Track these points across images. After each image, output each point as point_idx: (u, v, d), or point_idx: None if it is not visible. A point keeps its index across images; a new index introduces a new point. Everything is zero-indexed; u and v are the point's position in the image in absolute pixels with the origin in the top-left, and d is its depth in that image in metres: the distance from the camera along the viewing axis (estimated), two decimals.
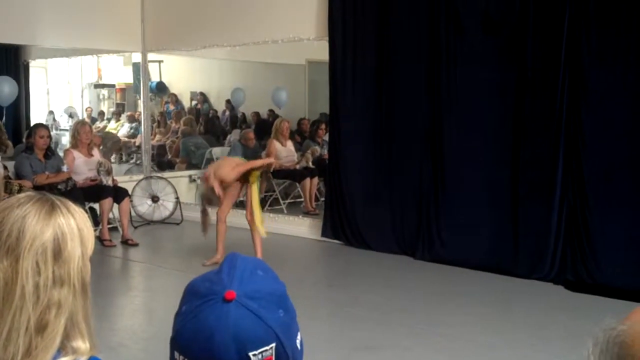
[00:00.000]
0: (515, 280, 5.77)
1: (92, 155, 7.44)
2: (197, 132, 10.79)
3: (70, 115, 11.53)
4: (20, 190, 6.45)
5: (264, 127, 10.07)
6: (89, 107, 12.31)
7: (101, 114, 12.78)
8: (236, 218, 6.72)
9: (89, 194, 7.19)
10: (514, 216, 5.94)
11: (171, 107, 11.62)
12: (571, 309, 5.12)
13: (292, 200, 8.84)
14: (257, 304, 0.99)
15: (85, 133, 7.40)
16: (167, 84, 11.35)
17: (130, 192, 7.94)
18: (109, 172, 7.44)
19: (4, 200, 1.15)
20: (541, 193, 5.79)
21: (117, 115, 12.53)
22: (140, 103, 9.75)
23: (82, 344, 1.12)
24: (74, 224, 1.13)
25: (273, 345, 0.99)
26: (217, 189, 6.01)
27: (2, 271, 1.07)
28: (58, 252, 1.10)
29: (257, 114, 10.98)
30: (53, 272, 1.09)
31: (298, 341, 1.05)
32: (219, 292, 0.99)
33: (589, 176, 5.55)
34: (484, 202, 6.12)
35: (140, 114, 10.06)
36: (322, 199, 8.28)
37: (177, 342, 1.01)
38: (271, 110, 10.75)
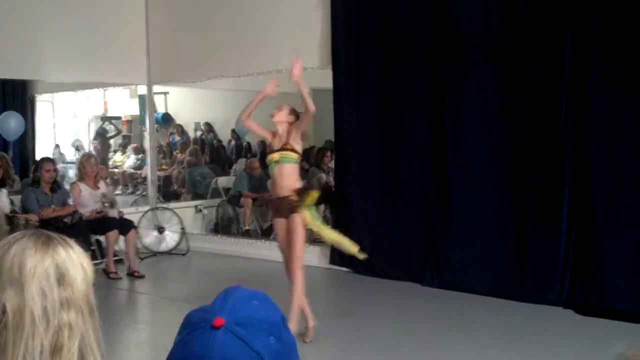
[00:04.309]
0: (525, 306, 5.71)
1: (98, 188, 7.46)
2: (202, 162, 10.80)
3: (77, 148, 11.57)
4: (26, 225, 6.45)
5: None
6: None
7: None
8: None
9: (95, 227, 7.19)
10: (521, 241, 5.90)
11: (177, 138, 11.65)
12: (582, 333, 5.05)
13: None
14: (245, 330, 0.98)
15: (90, 166, 7.43)
16: (173, 115, 11.40)
17: (136, 223, 7.94)
18: (112, 204, 7.44)
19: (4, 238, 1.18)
20: (548, 217, 5.76)
21: (123, 147, 12.58)
22: (146, 135, 9.79)
23: None
24: (71, 252, 1.17)
25: None
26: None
27: (9, 301, 1.09)
28: (61, 276, 1.13)
29: (262, 142, 10.99)
30: (59, 295, 1.11)
31: None
32: (209, 320, 0.99)
33: (595, 199, 5.52)
34: (491, 228, 6.09)
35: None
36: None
37: None
38: None
